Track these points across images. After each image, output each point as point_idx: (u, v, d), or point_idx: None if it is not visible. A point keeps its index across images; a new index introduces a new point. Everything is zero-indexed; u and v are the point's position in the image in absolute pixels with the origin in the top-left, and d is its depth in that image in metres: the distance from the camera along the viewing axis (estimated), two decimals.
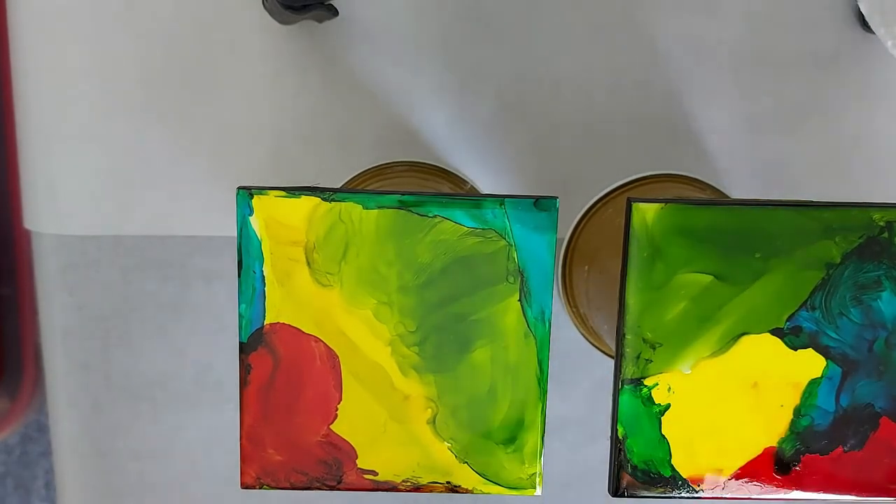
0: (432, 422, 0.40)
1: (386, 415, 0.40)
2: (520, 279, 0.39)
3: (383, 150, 0.56)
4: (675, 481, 0.40)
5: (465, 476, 0.41)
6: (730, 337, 0.39)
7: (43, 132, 0.56)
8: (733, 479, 0.40)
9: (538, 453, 0.40)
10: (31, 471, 1.18)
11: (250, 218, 0.39)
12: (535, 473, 0.41)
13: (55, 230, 0.57)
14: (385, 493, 0.41)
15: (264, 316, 0.40)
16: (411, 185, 0.51)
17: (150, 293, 0.58)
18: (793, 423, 0.40)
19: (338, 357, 0.40)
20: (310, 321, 0.40)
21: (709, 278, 0.39)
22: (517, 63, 0.55)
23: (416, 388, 0.40)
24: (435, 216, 0.39)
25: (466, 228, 0.39)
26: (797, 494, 0.40)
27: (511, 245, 0.39)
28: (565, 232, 0.50)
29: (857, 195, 0.56)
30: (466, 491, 0.41)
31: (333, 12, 0.53)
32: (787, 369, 0.39)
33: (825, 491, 0.40)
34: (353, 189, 0.43)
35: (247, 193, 0.39)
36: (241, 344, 0.40)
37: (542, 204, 0.39)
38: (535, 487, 0.41)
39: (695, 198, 0.49)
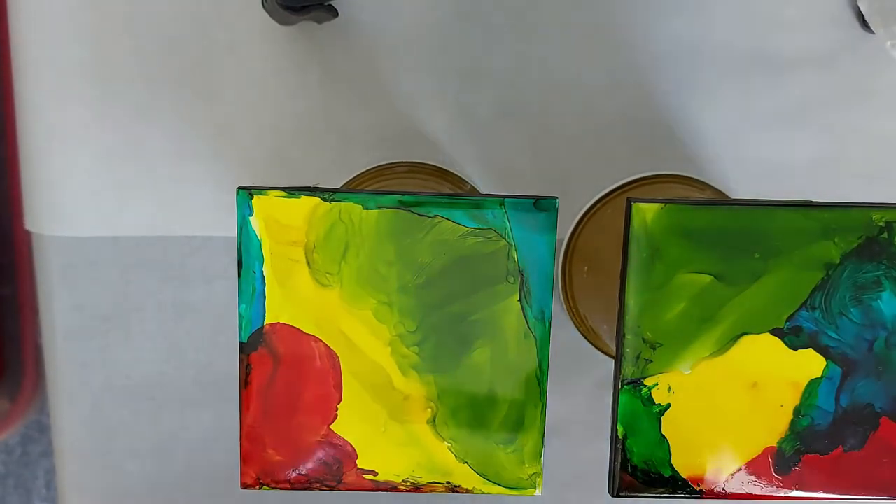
0: (432, 422, 0.40)
1: (386, 415, 0.40)
2: (520, 279, 0.39)
3: (383, 150, 0.56)
4: (675, 481, 0.40)
5: (465, 476, 0.41)
6: (730, 337, 0.39)
7: (43, 132, 0.56)
8: (733, 479, 0.40)
9: (538, 453, 0.40)
10: (32, 471, 1.18)
11: (250, 218, 0.39)
12: (535, 473, 0.41)
13: (55, 231, 0.57)
14: (385, 493, 0.41)
15: (264, 316, 0.40)
16: (411, 185, 0.51)
17: (150, 293, 0.58)
18: (793, 423, 0.40)
19: (338, 357, 0.40)
20: (310, 321, 0.40)
21: (708, 278, 0.39)
22: (517, 63, 0.55)
23: (416, 388, 0.40)
24: (435, 216, 0.39)
25: (466, 228, 0.39)
26: (797, 494, 0.40)
27: (511, 245, 0.39)
28: (565, 232, 0.50)
29: (857, 195, 0.56)
30: (466, 491, 0.41)
31: (333, 13, 0.53)
32: (787, 369, 0.39)
33: (825, 491, 0.40)
34: (353, 189, 0.43)
35: (247, 193, 0.39)
36: (241, 344, 0.40)
37: (542, 204, 0.39)
38: (535, 487, 0.41)
39: (694, 198, 0.49)
